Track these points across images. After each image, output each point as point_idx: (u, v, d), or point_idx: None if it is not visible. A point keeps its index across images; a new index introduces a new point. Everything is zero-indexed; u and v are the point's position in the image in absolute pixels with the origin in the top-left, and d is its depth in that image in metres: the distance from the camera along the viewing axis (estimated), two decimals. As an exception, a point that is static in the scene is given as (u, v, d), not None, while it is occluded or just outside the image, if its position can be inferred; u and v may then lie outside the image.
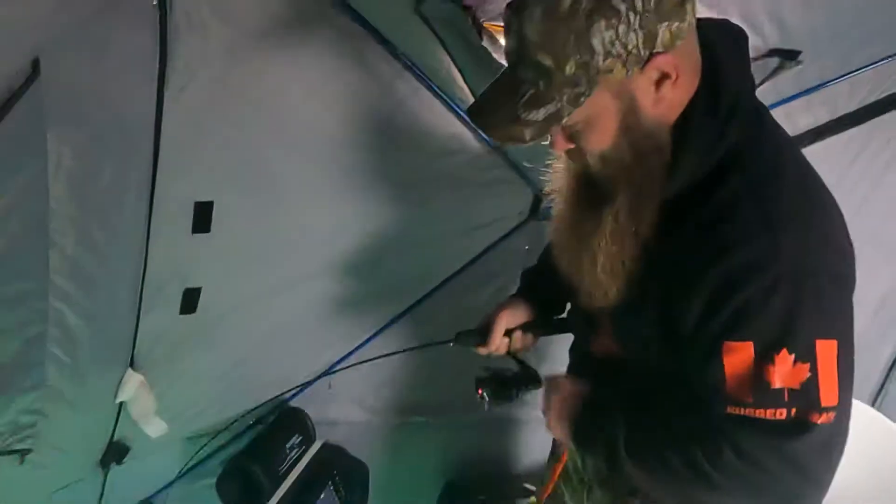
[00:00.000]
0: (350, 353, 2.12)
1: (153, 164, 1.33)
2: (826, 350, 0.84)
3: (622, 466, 1.01)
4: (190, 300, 1.66)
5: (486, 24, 1.33)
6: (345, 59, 1.45)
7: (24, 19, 1.00)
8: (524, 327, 1.37)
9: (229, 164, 1.46)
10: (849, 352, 0.86)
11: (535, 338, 1.40)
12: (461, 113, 1.67)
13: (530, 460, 2.39)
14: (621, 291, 0.98)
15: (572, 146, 0.95)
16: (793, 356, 0.83)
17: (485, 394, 1.34)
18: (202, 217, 1.49)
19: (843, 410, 0.86)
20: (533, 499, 2.08)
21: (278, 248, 1.69)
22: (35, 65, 1.06)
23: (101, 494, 2.07)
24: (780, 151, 0.93)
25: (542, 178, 1.72)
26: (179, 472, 2.20)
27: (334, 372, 2.09)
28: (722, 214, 0.86)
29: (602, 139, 0.91)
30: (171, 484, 2.22)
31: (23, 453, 1.54)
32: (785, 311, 0.83)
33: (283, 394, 2.15)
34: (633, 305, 0.98)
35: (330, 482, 2.02)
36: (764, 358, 0.84)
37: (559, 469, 1.44)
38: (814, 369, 0.83)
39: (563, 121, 0.87)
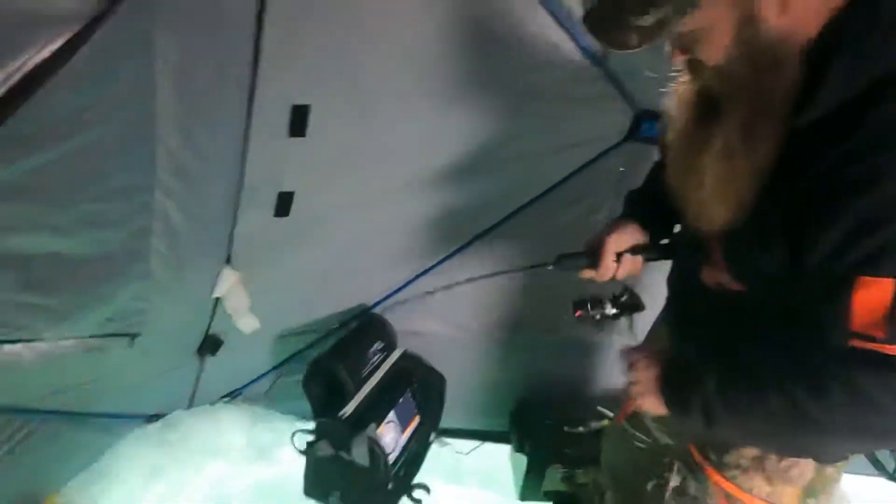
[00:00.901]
0: (434, 267, 2.13)
1: (253, 63, 1.33)
2: None
3: (721, 424, 0.99)
4: (283, 203, 1.70)
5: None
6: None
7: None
8: (634, 250, 1.32)
9: (327, 68, 1.44)
10: None
11: (644, 262, 1.35)
12: (563, 22, 1.58)
13: (607, 384, 2.39)
14: (733, 217, 0.93)
15: (688, 56, 0.90)
16: None
17: (584, 316, 1.30)
18: (298, 121, 1.49)
19: None
20: (606, 421, 2.10)
21: (370, 156, 1.69)
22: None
23: (196, 383, 2.23)
24: None
25: (644, 96, 1.63)
26: (269, 368, 2.34)
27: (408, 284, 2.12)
28: (874, 143, 0.78)
29: (715, 51, 0.85)
30: (259, 378, 2.36)
31: (132, 337, 1.65)
32: None
33: (367, 302, 2.22)
34: (753, 234, 0.93)
35: (409, 389, 2.08)
36: None
37: (629, 408, 1.43)
38: None
39: (673, 28, 0.81)
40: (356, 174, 1.73)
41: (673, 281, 1.30)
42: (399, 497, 2.10)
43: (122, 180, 1.29)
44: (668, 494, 1.29)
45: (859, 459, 2.19)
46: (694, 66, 0.93)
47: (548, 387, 2.38)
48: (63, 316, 1.41)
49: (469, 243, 2.09)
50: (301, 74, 1.43)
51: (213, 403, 2.37)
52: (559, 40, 1.62)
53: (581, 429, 2.27)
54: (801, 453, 1.10)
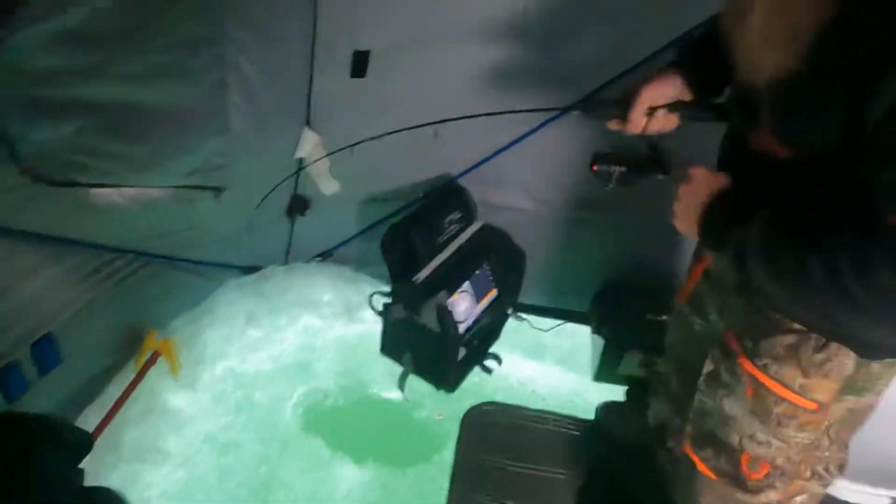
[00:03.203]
0: (518, 140, 2.04)
1: None
2: None
3: (753, 269, 0.90)
4: (360, 63, 1.65)
5: None
6: None
7: None
8: (672, 106, 1.19)
9: None
10: None
11: (682, 121, 1.22)
12: None
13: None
14: (784, 66, 0.80)
15: None
16: None
17: (601, 171, 1.21)
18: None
19: None
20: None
21: (450, 12, 1.59)
22: None
23: (290, 240, 2.35)
24: None
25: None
26: (356, 232, 2.41)
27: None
28: None
29: None
30: (349, 241, 2.44)
31: (218, 190, 1.73)
32: None
33: (452, 172, 2.19)
34: (805, 91, 0.80)
35: (486, 261, 2.07)
36: None
37: (699, 270, 1.33)
38: None
39: None
40: (434, 33, 1.64)
41: (723, 146, 1.16)
42: (472, 365, 2.17)
43: (190, 30, 1.29)
44: (700, 380, 1.25)
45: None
46: None
47: (633, 271, 2.29)
48: (147, 165, 1.49)
49: (557, 115, 1.96)
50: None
51: (307, 261, 2.50)
52: None
53: (665, 317, 2.19)
54: (827, 331, 1.01)
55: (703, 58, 1.20)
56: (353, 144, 1.86)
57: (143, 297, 1.91)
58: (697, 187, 1.03)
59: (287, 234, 2.31)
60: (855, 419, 1.18)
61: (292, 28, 1.49)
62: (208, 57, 1.37)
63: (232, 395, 2.22)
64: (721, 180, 1.02)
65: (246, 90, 1.52)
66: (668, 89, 1.21)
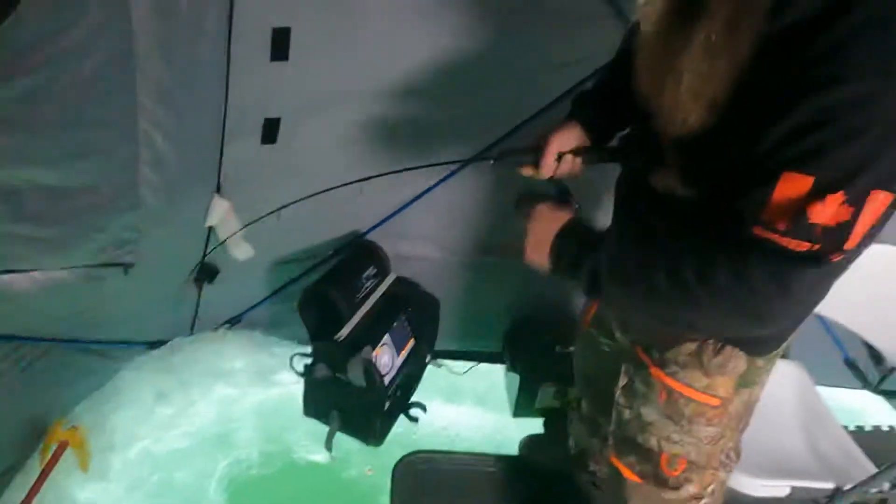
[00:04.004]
0: (425, 193, 2.14)
1: (231, -16, 1.29)
2: (878, 201, 0.81)
3: (606, 290, 1.03)
4: (270, 130, 1.68)
5: None
6: None
7: None
8: (576, 151, 1.32)
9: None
10: (894, 208, 0.84)
11: (584, 164, 1.36)
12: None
13: (598, 305, 2.43)
14: (706, 119, 0.93)
15: None
16: (845, 198, 0.81)
17: (521, 211, 1.32)
18: (280, 44, 1.46)
19: (855, 255, 0.88)
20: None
21: (355, 78, 1.66)
22: None
23: (196, 310, 2.28)
24: None
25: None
26: (266, 295, 2.38)
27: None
28: (838, 46, 0.78)
29: None
30: (258, 305, 2.41)
31: (126, 267, 1.67)
32: (861, 157, 0.79)
33: (360, 229, 2.24)
34: (715, 137, 0.93)
35: (403, 313, 2.12)
36: (817, 195, 0.82)
37: (593, 310, 1.47)
38: (856, 214, 0.82)
39: None
40: (342, 97, 1.71)
41: (620, 185, 1.31)
42: (396, 416, 2.19)
43: (105, 109, 1.28)
44: (617, 393, 1.37)
45: (843, 372, 2.27)
46: None
47: (540, 308, 2.43)
48: (57, 246, 1.44)
49: (461, 168, 2.09)
50: (281, -5, 1.40)
51: (214, 330, 2.43)
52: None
53: (572, 348, 2.33)
54: (680, 327, 1.16)
55: (597, 108, 1.36)
56: (274, 210, 1.88)
57: (46, 386, 1.79)
58: (544, 222, 1.15)
59: (194, 304, 2.25)
60: (749, 409, 1.35)
61: (205, 99, 1.50)
62: (121, 133, 1.36)
63: (148, 479, 2.11)
64: (565, 215, 1.14)
65: (158, 163, 1.50)
66: (572, 137, 1.34)
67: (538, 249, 1.15)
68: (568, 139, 1.33)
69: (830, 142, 0.80)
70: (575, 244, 1.09)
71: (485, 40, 1.71)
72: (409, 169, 1.86)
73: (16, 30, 0.99)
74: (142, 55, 1.27)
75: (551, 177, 1.35)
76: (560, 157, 1.32)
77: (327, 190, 1.90)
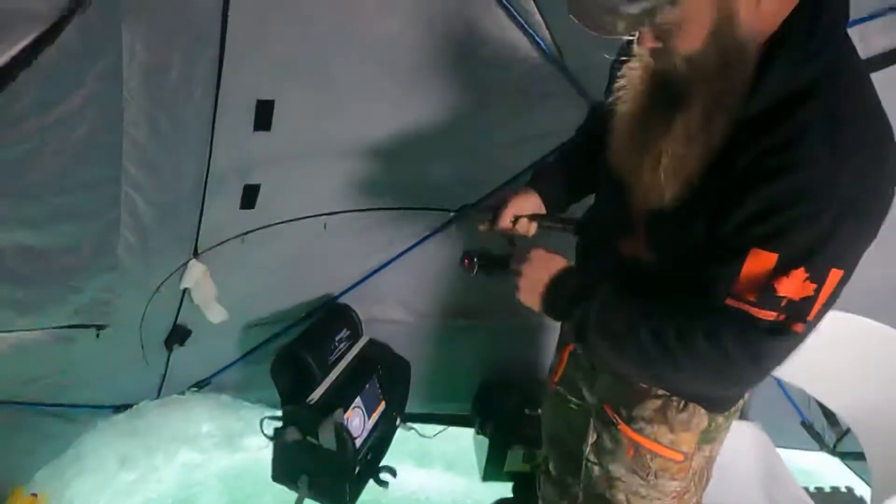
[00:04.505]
0: (398, 257, 2.19)
1: (219, 59, 1.37)
2: (835, 278, 0.91)
3: (591, 341, 1.09)
4: (250, 196, 1.74)
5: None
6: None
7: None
8: (532, 217, 1.41)
9: (292, 61, 1.49)
10: (845, 282, 0.93)
11: (538, 229, 1.43)
12: (521, 21, 1.66)
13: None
14: (680, 195, 1.01)
15: (659, 45, 0.95)
16: (807, 275, 0.90)
17: (472, 264, 1.36)
18: (263, 115, 1.53)
19: (813, 327, 0.96)
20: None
21: (335, 149, 1.74)
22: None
23: (165, 372, 2.26)
24: (861, 82, 0.94)
25: (597, 91, 1.70)
26: (237, 357, 2.37)
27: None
28: (794, 136, 0.88)
29: (691, 42, 0.91)
30: (228, 367, 2.39)
31: (99, 328, 1.67)
32: (819, 238, 0.89)
33: (333, 292, 2.27)
34: (684, 210, 1.02)
35: (375, 375, 2.14)
36: (782, 271, 0.91)
37: (566, 353, 1.51)
38: (818, 290, 0.91)
39: (657, 18, 0.88)
40: (321, 167, 1.78)
41: (583, 251, 1.39)
42: (366, 480, 2.16)
43: (91, 174, 1.32)
44: (587, 450, 1.40)
45: (800, 435, 2.34)
46: (660, 54, 0.97)
47: (508, 370, 2.46)
48: (32, 308, 1.44)
49: (432, 234, 2.16)
50: (266, 68, 1.47)
51: (181, 393, 2.40)
52: (517, 39, 1.69)
53: (540, 410, 2.36)
54: (659, 384, 1.23)
55: (555, 181, 1.46)
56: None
57: (5, 452, 1.74)
58: (539, 265, 1.19)
59: (163, 366, 2.23)
60: (710, 464, 1.39)
61: (188, 166, 1.55)
62: (105, 197, 1.40)
63: (107, 549, 2.03)
64: (559, 261, 1.20)
65: (138, 227, 1.54)
66: (529, 203, 1.42)
67: (531, 293, 1.19)
68: (525, 204, 1.42)
69: (789, 224, 0.89)
70: (566, 293, 1.14)
71: (455, 114, 1.81)
72: (373, 209, 1.99)
73: (12, 102, 1.04)
74: (129, 122, 1.33)
75: (504, 235, 1.43)
76: (516, 220, 1.41)
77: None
